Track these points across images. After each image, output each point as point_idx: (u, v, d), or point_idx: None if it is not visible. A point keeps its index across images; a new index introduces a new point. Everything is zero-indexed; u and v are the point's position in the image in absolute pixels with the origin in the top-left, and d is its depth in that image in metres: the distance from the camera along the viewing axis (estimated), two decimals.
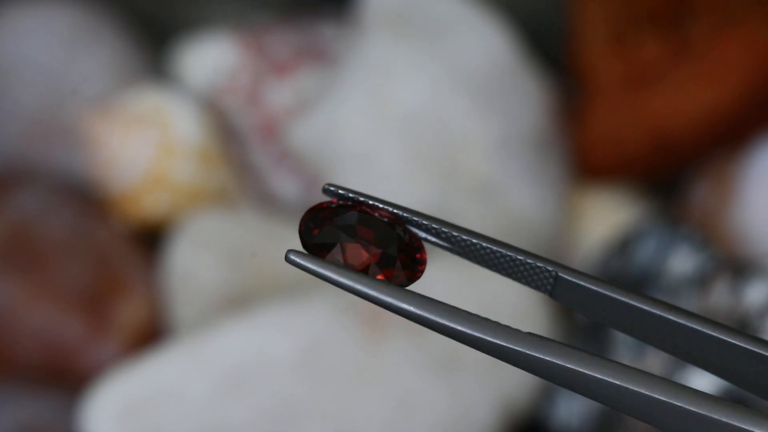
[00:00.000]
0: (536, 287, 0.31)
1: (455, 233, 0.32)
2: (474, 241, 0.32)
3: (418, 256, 0.32)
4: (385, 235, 0.32)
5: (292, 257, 0.31)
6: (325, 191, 0.32)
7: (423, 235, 0.32)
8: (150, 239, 0.65)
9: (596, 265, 0.60)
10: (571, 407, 0.58)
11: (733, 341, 0.30)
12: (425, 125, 0.61)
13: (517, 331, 0.30)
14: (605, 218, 0.64)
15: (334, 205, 0.32)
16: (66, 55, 0.66)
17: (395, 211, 0.32)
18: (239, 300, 0.60)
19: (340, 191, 0.32)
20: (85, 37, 0.67)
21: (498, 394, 0.58)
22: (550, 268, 0.31)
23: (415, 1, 0.63)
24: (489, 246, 0.32)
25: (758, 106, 0.63)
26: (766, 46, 0.62)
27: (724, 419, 0.29)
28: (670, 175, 0.65)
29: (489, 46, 0.62)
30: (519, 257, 0.31)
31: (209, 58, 0.66)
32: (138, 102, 0.65)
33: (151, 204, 0.64)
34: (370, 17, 0.63)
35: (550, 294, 0.31)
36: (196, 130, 0.64)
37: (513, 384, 0.58)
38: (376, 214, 0.32)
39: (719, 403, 0.29)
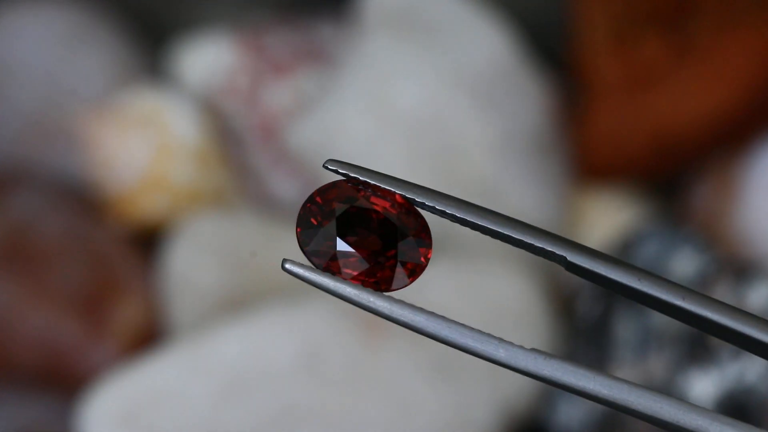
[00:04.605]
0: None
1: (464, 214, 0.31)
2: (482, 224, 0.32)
3: (423, 259, 0.31)
4: (387, 234, 0.31)
5: (288, 267, 0.30)
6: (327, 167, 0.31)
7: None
8: (148, 241, 0.64)
9: None
10: (572, 410, 0.58)
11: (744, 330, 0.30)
12: (425, 126, 0.61)
13: (522, 348, 0.30)
14: (606, 219, 0.64)
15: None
16: (63, 56, 0.66)
17: (404, 194, 0.31)
18: (238, 302, 0.60)
19: (342, 170, 0.31)
20: (83, 37, 0.67)
21: (498, 397, 0.58)
22: (560, 253, 0.31)
23: (415, 1, 0.63)
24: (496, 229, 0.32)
25: (761, 107, 0.63)
26: None
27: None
28: (672, 176, 0.65)
29: (489, 47, 0.62)
30: (529, 242, 0.32)
31: (207, 58, 0.66)
32: (136, 103, 0.65)
33: (148, 205, 0.64)
34: (370, 17, 0.63)
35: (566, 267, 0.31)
36: (195, 131, 0.64)
37: (513, 387, 0.58)
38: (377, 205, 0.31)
39: (720, 419, 0.29)
